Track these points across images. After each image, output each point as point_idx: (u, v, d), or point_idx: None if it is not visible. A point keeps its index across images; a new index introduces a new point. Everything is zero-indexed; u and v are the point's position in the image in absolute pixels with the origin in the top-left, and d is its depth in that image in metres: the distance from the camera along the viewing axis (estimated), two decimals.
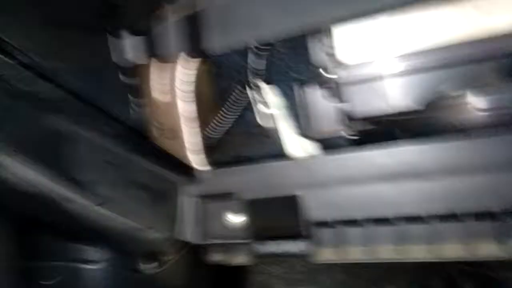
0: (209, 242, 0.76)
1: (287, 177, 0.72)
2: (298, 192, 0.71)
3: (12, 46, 0.45)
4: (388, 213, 0.66)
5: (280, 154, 0.75)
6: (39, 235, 0.66)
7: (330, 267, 1.06)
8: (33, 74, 0.47)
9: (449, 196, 0.63)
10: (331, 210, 0.70)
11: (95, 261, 0.65)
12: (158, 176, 0.69)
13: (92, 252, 0.65)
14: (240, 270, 1.07)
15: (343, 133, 0.75)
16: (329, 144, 0.76)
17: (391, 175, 0.66)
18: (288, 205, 0.73)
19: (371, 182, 0.67)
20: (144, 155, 0.67)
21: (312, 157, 0.73)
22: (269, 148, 0.84)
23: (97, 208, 0.58)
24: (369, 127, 0.75)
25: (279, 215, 0.76)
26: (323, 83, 0.74)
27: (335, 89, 0.74)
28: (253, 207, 0.74)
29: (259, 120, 0.78)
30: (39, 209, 0.55)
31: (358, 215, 0.68)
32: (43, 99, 0.49)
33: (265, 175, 0.74)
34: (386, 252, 0.68)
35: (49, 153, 0.51)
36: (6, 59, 0.44)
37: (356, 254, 0.70)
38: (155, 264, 0.73)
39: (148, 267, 0.72)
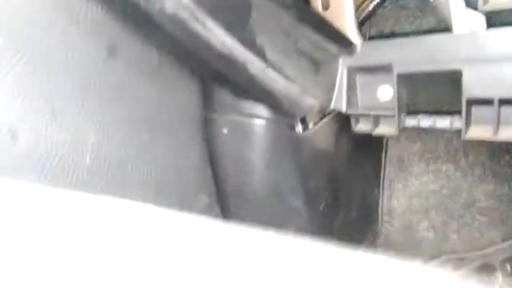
0: (360, 112, 0.81)
1: (448, 51, 0.70)
2: (459, 67, 0.69)
3: None
4: None
5: (439, 28, 0.73)
6: (216, 89, 0.78)
7: (472, 148, 1.05)
8: None
9: None
10: (492, 88, 0.68)
11: (261, 117, 0.76)
12: (319, 46, 0.74)
13: (259, 108, 0.75)
14: (379, 144, 1.12)
15: None
16: (499, 19, 0.70)
17: None
18: (445, 80, 0.72)
19: None
20: (308, 24, 0.71)
21: (479, 31, 0.69)
22: (428, 21, 0.80)
23: (268, 70, 0.66)
24: None
25: (433, 90, 0.76)
26: None
27: None
28: (407, 80, 0.75)
29: None
30: (224, 67, 0.65)
31: None
32: None
33: (423, 49, 0.72)
34: None
35: (237, 20, 0.58)
36: None
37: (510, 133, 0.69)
38: (309, 126, 0.82)
39: (302, 128, 0.81)
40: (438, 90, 0.75)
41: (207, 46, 0.58)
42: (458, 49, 0.69)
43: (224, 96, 0.77)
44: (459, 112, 0.72)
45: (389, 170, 1.14)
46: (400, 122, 0.79)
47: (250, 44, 0.61)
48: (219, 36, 0.57)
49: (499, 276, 1.02)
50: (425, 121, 0.79)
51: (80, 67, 0.58)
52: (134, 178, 0.66)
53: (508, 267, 1.03)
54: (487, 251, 1.03)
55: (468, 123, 0.72)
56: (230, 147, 0.80)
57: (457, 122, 0.75)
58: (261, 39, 0.63)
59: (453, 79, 0.70)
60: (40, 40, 0.54)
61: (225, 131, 0.80)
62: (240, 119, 0.78)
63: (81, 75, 0.58)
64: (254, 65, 0.64)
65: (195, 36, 0.56)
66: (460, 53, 0.69)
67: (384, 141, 1.14)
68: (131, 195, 0.66)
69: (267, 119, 0.77)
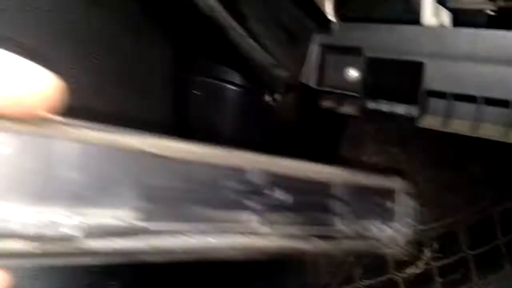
0: (326, 89, 0.85)
1: (415, 43, 0.75)
2: (422, 59, 0.74)
3: None
4: (507, 96, 0.69)
5: (412, 19, 0.77)
6: (193, 51, 0.78)
7: (420, 134, 1.14)
8: None
9: None
10: (450, 83, 0.74)
11: (235, 83, 0.78)
12: (298, 20, 0.76)
13: (234, 75, 0.77)
14: (339, 123, 1.18)
15: (484, 8, 0.74)
16: (465, 18, 0.75)
17: None
18: (409, 70, 0.77)
19: (498, 64, 0.69)
20: None
21: (445, 27, 0.74)
22: (402, 11, 0.84)
23: (248, 39, 0.68)
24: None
25: (396, 78, 0.81)
26: None
27: None
28: (374, 65, 0.80)
29: None
30: (205, 30, 0.65)
31: (475, 92, 0.71)
32: None
33: (393, 36, 0.77)
34: (492, 130, 0.74)
35: None
36: None
37: (460, 126, 0.76)
38: (277, 97, 0.85)
39: (272, 99, 0.84)
40: (402, 79, 0.81)
41: (191, 5, 0.58)
42: (424, 42, 0.74)
43: (199, 59, 0.78)
44: (415, 101, 0.78)
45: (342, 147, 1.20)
46: (363, 103, 0.84)
47: (233, 10, 0.62)
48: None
49: (427, 252, 1.14)
50: (385, 106, 0.85)
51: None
52: None
53: (436, 245, 1.15)
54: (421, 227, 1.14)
55: (425, 112, 0.78)
56: (200, 108, 0.82)
57: (413, 110, 0.81)
58: (244, 8, 0.64)
59: (416, 69, 0.76)
60: None
61: (197, 92, 0.81)
62: (217, 83, 0.79)
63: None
64: (235, 32, 0.65)
65: None
66: (425, 46, 0.74)
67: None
68: None
69: (239, 86, 0.79)
